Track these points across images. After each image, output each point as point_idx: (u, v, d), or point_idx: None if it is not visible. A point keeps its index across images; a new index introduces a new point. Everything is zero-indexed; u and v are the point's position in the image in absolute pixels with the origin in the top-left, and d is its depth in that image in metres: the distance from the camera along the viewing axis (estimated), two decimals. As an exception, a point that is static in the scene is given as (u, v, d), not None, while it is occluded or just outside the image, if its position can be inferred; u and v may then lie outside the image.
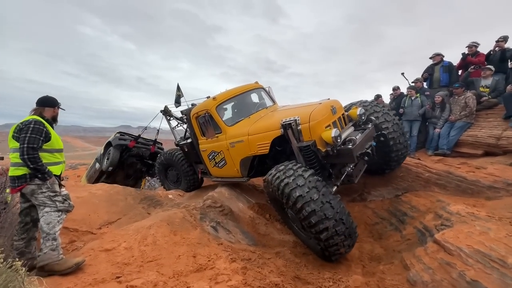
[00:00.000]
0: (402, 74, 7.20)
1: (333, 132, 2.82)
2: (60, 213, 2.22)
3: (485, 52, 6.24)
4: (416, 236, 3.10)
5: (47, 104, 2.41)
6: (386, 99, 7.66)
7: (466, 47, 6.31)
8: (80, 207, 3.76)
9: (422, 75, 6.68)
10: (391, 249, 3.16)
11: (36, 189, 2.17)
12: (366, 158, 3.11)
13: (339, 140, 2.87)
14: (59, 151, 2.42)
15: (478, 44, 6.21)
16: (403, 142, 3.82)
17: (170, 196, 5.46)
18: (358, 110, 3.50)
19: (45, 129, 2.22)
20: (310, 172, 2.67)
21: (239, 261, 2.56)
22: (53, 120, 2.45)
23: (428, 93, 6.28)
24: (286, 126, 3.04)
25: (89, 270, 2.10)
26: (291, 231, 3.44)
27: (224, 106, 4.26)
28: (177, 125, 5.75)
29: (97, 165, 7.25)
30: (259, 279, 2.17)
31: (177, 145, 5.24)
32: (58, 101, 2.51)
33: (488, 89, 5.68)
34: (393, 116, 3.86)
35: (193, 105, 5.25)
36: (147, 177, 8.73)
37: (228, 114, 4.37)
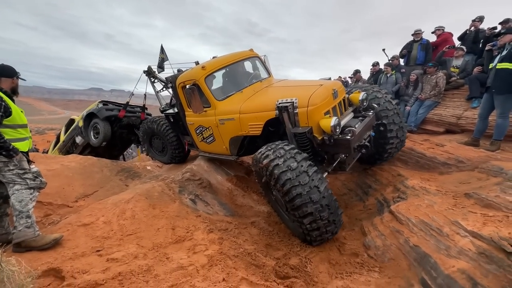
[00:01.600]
0: (383, 50, 7.26)
1: (333, 121, 2.61)
2: (32, 190, 2.18)
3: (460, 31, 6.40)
4: (376, 206, 3.48)
5: (3, 74, 2.18)
6: (367, 72, 7.81)
7: (432, 32, 6.46)
8: (52, 180, 3.67)
9: (401, 51, 6.79)
10: (354, 217, 3.55)
11: (3, 167, 2.08)
12: (363, 151, 2.92)
13: (337, 130, 2.68)
14: (23, 126, 2.28)
15: (443, 27, 6.39)
16: (400, 136, 3.61)
17: (148, 167, 5.45)
18: (361, 95, 3.25)
19: (3, 103, 2.05)
20: (303, 156, 2.51)
21: (216, 231, 2.76)
22: (12, 93, 2.25)
23: (403, 70, 6.48)
24: (282, 109, 2.81)
25: (68, 244, 2.16)
26: (276, 213, 3.34)
27: (214, 75, 3.89)
28: (162, 89, 5.25)
29: (79, 139, 6.65)
30: (234, 248, 2.38)
31: (162, 112, 4.86)
32: (17, 71, 2.28)
33: (458, 70, 5.96)
34: (395, 105, 3.60)
35: (179, 71, 4.78)
36: (138, 147, 8.27)
37: (217, 83, 4.01)
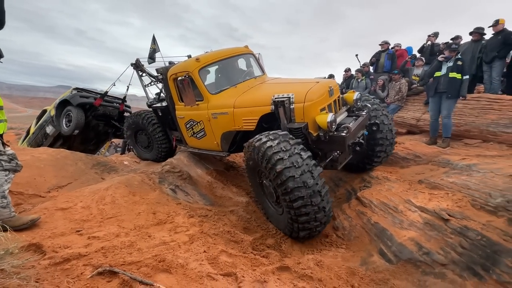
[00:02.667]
0: (356, 55, 7.88)
1: (329, 117, 2.59)
2: (7, 172, 2.15)
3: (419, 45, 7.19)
4: (345, 195, 3.81)
5: None
6: (340, 79, 8.39)
7: (391, 48, 7.25)
8: (23, 171, 3.50)
9: (371, 59, 7.44)
10: (326, 206, 3.85)
11: None
12: (357, 148, 2.93)
13: (333, 126, 2.66)
14: None
15: (400, 44, 7.25)
16: (390, 139, 3.56)
17: (125, 162, 5.36)
18: (355, 95, 3.27)
19: None
20: (297, 141, 2.47)
21: (197, 217, 2.86)
22: None
23: (372, 77, 7.10)
24: (278, 103, 2.76)
25: (46, 226, 2.15)
26: (261, 207, 3.24)
27: (208, 70, 3.79)
28: (150, 83, 5.02)
29: (50, 128, 6.19)
30: (214, 229, 2.52)
31: (149, 106, 4.66)
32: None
33: (418, 78, 6.67)
34: (386, 110, 3.61)
35: (170, 63, 4.60)
36: (112, 141, 7.80)
37: (210, 79, 3.90)
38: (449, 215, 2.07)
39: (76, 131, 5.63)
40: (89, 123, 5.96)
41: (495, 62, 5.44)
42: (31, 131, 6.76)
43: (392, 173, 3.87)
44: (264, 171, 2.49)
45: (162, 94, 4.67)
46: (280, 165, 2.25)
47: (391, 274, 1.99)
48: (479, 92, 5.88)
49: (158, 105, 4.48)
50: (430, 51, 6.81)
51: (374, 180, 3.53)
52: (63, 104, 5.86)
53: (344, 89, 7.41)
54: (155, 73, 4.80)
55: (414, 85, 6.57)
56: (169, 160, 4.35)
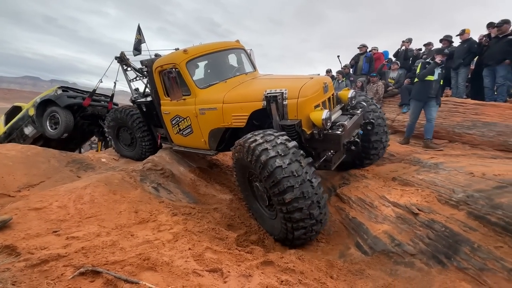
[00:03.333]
0: (338, 57, 8.16)
1: (324, 114, 2.46)
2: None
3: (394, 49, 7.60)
4: (326, 192, 3.98)
5: None
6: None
7: (369, 51, 7.62)
8: (-12, 169, 3.28)
9: (350, 62, 7.74)
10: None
11: None
12: (353, 147, 2.83)
13: (328, 124, 2.53)
14: None
15: (377, 47, 7.63)
16: (384, 141, 3.49)
17: (103, 159, 5.15)
18: (350, 93, 3.17)
19: None
20: (294, 144, 2.27)
21: (180, 215, 2.85)
22: None
23: (352, 78, 7.40)
24: (270, 99, 2.61)
25: (19, 227, 2.04)
26: (250, 211, 3.06)
27: (196, 63, 3.59)
28: (135, 77, 4.77)
29: (29, 129, 5.74)
30: (198, 226, 2.53)
31: (133, 102, 4.45)
32: None
33: (393, 81, 7.05)
34: (380, 109, 3.56)
35: (156, 55, 4.40)
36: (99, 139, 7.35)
37: (199, 74, 3.69)
38: (418, 209, 2.26)
39: (65, 135, 5.32)
40: (76, 124, 5.62)
41: (461, 68, 5.90)
42: (0, 130, 6.18)
43: (368, 171, 4.08)
44: (258, 175, 2.29)
45: (147, 90, 4.45)
46: (279, 174, 2.06)
47: (367, 265, 2.14)
48: (447, 95, 6.35)
49: (143, 100, 4.29)
50: (404, 56, 7.23)
51: (353, 177, 3.71)
52: (45, 103, 5.44)
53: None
54: (140, 67, 4.57)
55: (390, 88, 6.94)
56: (150, 157, 4.25)
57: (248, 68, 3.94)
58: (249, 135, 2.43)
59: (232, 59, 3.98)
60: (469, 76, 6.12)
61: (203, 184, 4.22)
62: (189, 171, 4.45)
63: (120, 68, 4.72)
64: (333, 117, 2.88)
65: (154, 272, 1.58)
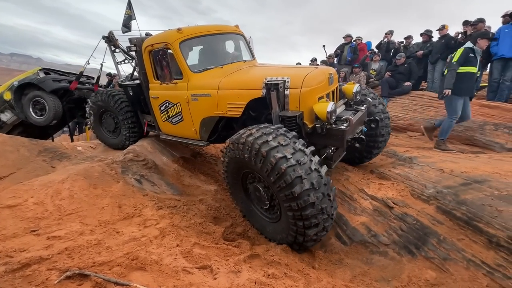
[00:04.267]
0: (323, 46, 8.15)
1: (330, 106, 2.28)
2: None
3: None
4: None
5: None
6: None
7: (354, 41, 7.69)
8: None
9: (335, 51, 7.78)
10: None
11: None
12: (357, 144, 2.70)
13: (333, 117, 2.37)
14: None
15: (361, 37, 7.72)
16: (386, 139, 3.35)
17: (79, 148, 4.89)
18: (355, 87, 2.98)
19: None
20: (294, 134, 2.12)
21: (165, 208, 2.84)
22: None
23: (336, 68, 7.48)
24: (271, 87, 2.39)
25: (-9, 227, 1.93)
26: (245, 216, 2.85)
27: (191, 46, 3.31)
28: (124, 60, 4.51)
29: (7, 115, 5.30)
30: (185, 221, 2.54)
31: (120, 85, 4.18)
32: None
33: (375, 72, 7.24)
34: (385, 106, 3.41)
35: (147, 34, 4.10)
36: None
37: (193, 58, 3.41)
38: (393, 203, 2.44)
39: (54, 122, 5.00)
40: (63, 109, 5.29)
41: (438, 63, 6.18)
42: None
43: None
44: (259, 172, 2.08)
45: (135, 73, 4.19)
46: (283, 164, 1.87)
47: (345, 254, 2.31)
48: (422, 89, 6.67)
49: (130, 83, 4.03)
50: (386, 48, 7.39)
51: (334, 169, 3.87)
52: (24, 87, 5.00)
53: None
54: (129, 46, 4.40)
55: (372, 79, 7.13)
56: (131, 147, 4.10)
57: (246, 56, 3.73)
58: (242, 131, 2.24)
59: (230, 46, 3.75)
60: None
61: (187, 175, 4.18)
62: (172, 161, 4.37)
63: (108, 49, 4.41)
64: (337, 111, 2.69)
65: (143, 272, 1.59)
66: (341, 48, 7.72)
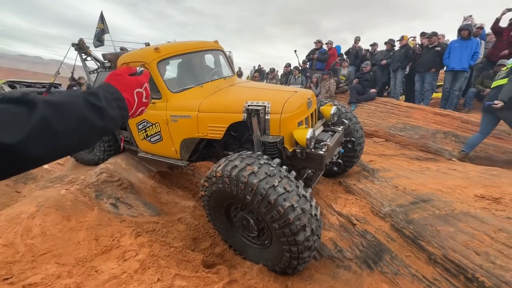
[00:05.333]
0: (295, 51, 8.37)
1: (309, 133, 2.38)
2: None
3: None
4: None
5: None
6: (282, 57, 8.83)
7: (326, 43, 8.03)
8: None
9: (307, 56, 8.05)
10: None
11: None
12: (335, 168, 2.80)
13: (312, 143, 2.46)
14: None
15: (332, 42, 8.07)
16: (359, 156, 3.57)
17: (45, 166, 4.63)
18: (332, 109, 3.09)
19: None
20: (278, 161, 2.19)
21: (144, 234, 2.88)
22: None
23: (308, 74, 7.77)
24: (252, 112, 2.46)
25: (-42, 279, 1.87)
26: (232, 247, 2.80)
27: (168, 62, 3.28)
28: (96, 69, 4.31)
29: None
30: (164, 248, 2.62)
31: None
32: None
33: (344, 78, 7.64)
34: (361, 125, 3.53)
35: (122, 49, 4.00)
36: None
37: (171, 73, 3.39)
38: (356, 219, 2.73)
39: None
40: None
41: (399, 71, 6.70)
42: None
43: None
44: (248, 203, 2.08)
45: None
46: (273, 195, 1.90)
47: (315, 270, 2.56)
48: (385, 96, 7.21)
49: None
50: (355, 54, 7.81)
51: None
52: None
53: (283, 83, 7.89)
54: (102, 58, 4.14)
55: (341, 84, 7.52)
56: (104, 165, 4.01)
57: (226, 71, 3.74)
58: (224, 162, 2.23)
59: (209, 60, 3.75)
60: (404, 79, 7.01)
61: (165, 191, 4.20)
62: (148, 177, 4.34)
63: (78, 57, 4.21)
64: (316, 133, 2.78)
65: (126, 316, 1.67)
66: (312, 53, 8.00)
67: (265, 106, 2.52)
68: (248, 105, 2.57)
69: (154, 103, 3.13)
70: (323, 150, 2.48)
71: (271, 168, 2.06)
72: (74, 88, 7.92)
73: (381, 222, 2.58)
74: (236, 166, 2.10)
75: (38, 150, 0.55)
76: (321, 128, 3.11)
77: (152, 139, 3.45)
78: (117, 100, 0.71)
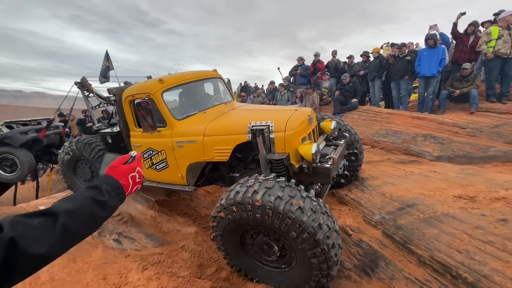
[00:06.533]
0: (278, 69, 8.80)
1: (314, 147, 2.43)
2: None
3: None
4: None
5: None
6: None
7: (314, 54, 8.49)
8: None
9: (290, 73, 8.47)
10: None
11: None
12: (342, 180, 2.82)
13: (318, 157, 2.52)
14: None
15: (319, 54, 8.51)
16: (360, 166, 3.68)
17: (41, 207, 4.62)
18: (332, 124, 3.19)
19: None
20: (293, 181, 2.22)
21: (150, 267, 2.95)
22: None
23: (292, 89, 8.15)
24: (256, 132, 2.52)
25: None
26: (249, 276, 2.68)
27: (173, 94, 3.51)
28: (98, 104, 4.62)
29: None
30: (172, 280, 2.70)
31: (96, 132, 4.22)
32: None
33: (327, 90, 8.04)
34: (358, 136, 3.68)
35: (126, 83, 4.21)
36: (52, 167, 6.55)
37: (173, 103, 3.59)
38: (351, 229, 2.91)
39: (29, 176, 5.04)
40: None
41: (376, 80, 7.15)
42: None
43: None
44: (276, 229, 2.02)
45: (113, 120, 4.34)
46: (302, 217, 1.89)
47: (318, 283, 2.70)
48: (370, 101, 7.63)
49: (108, 130, 4.12)
50: (335, 67, 8.28)
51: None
52: None
53: (270, 101, 8.22)
54: (103, 94, 4.46)
55: (324, 96, 7.91)
56: (102, 201, 4.06)
57: (226, 97, 3.94)
58: (239, 189, 2.16)
59: (209, 88, 3.99)
60: (382, 86, 7.48)
61: (165, 220, 4.26)
62: (148, 207, 4.41)
63: (81, 94, 4.49)
64: (320, 148, 2.78)
65: None
66: (294, 69, 8.42)
67: (269, 125, 2.61)
68: (252, 126, 2.65)
69: (159, 131, 3.22)
70: (329, 163, 2.54)
71: (292, 190, 2.06)
72: (60, 123, 8.01)
73: (374, 230, 2.77)
74: (256, 191, 2.06)
75: (58, 252, 0.73)
76: (324, 143, 3.17)
77: (157, 167, 3.51)
78: (116, 189, 0.89)
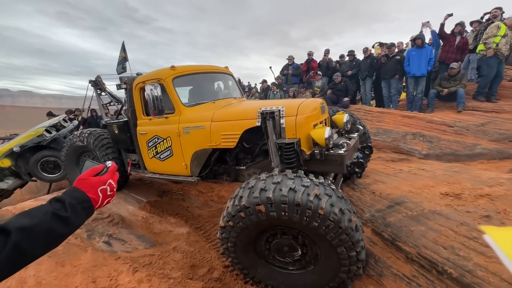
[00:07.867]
0: (270, 68, 8.79)
1: (327, 131, 2.30)
2: None
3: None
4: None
5: None
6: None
7: (308, 53, 8.52)
8: None
9: (281, 72, 8.49)
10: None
11: None
12: (357, 169, 2.56)
13: (331, 142, 2.38)
14: None
15: (313, 53, 8.55)
16: (368, 161, 3.56)
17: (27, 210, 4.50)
18: (345, 117, 3.08)
19: None
20: (301, 171, 2.05)
21: (141, 269, 2.91)
22: None
23: (285, 88, 8.17)
24: (266, 115, 2.40)
25: None
26: (262, 284, 2.45)
27: (183, 82, 3.42)
28: (109, 102, 4.93)
29: (9, 182, 5.23)
30: (164, 281, 2.68)
31: (104, 125, 4.32)
32: None
33: (319, 89, 8.10)
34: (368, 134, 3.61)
35: (138, 74, 4.28)
36: None
37: (184, 95, 3.52)
38: (341, 228, 2.95)
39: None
40: None
41: (367, 80, 7.24)
42: None
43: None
44: (305, 227, 1.85)
45: (121, 112, 4.50)
46: (333, 214, 1.76)
47: (310, 281, 2.72)
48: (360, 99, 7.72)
49: (115, 121, 4.20)
50: (327, 66, 8.34)
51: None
52: (26, 151, 5.14)
53: (263, 99, 8.23)
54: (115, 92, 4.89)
55: (317, 95, 7.96)
56: (92, 203, 3.99)
57: (236, 93, 3.97)
58: (242, 193, 2.01)
59: (220, 84, 4.05)
60: (372, 85, 7.59)
61: (157, 220, 4.22)
62: (139, 208, 4.36)
63: (94, 92, 4.83)
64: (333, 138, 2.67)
65: None
66: (285, 68, 8.45)
67: (280, 109, 2.52)
68: (262, 110, 2.54)
69: (167, 117, 3.20)
70: (343, 149, 2.39)
71: (303, 179, 1.93)
72: (71, 116, 7.96)
73: (364, 228, 2.81)
74: (263, 189, 1.91)
75: (8, 272, 0.67)
76: (336, 136, 3.03)
77: (162, 156, 3.46)
78: (83, 203, 0.84)
